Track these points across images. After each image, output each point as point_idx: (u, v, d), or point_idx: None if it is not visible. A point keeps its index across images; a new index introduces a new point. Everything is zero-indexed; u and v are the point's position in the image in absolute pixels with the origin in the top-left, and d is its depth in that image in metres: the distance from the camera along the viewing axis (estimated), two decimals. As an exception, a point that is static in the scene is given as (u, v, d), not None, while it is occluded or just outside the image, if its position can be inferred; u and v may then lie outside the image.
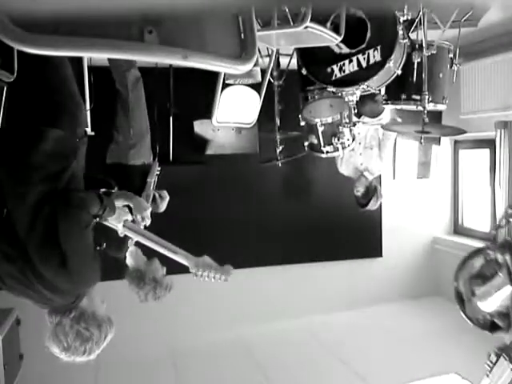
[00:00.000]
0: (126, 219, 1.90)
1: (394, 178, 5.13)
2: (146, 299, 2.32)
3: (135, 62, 2.63)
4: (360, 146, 3.45)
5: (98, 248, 1.85)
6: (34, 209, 1.55)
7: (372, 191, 3.52)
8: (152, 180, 2.65)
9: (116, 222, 1.86)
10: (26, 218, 1.55)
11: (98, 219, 1.79)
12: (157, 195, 2.68)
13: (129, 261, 2.31)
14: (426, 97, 2.56)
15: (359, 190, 3.52)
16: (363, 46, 2.44)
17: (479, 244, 4.58)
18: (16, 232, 1.57)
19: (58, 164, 1.64)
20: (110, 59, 2.59)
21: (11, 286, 1.68)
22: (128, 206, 2.02)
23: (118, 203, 1.94)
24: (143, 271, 2.28)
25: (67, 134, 1.67)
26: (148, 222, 2.19)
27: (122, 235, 1.92)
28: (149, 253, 2.36)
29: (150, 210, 2.22)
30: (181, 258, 1.79)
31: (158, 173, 2.78)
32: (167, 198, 2.76)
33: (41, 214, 1.55)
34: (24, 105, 1.67)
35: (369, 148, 3.51)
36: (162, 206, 2.74)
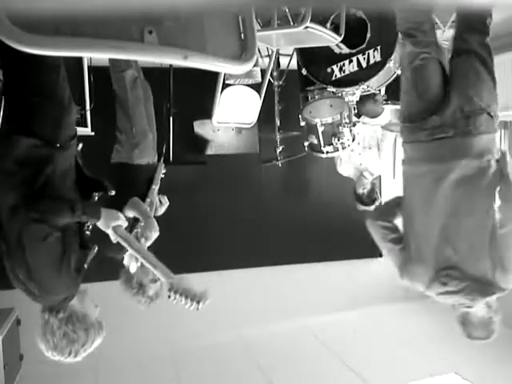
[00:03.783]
0: (117, 225, 1.86)
1: (393, 177, 5.12)
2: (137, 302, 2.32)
3: (133, 62, 2.63)
4: (359, 146, 3.44)
5: (87, 251, 1.84)
6: (10, 212, 1.60)
7: (375, 191, 3.52)
8: (157, 187, 2.65)
9: (104, 228, 1.83)
10: (6, 221, 1.61)
11: (88, 226, 1.80)
12: (157, 200, 2.68)
13: (126, 262, 2.31)
14: (426, 97, 2.56)
15: (366, 188, 3.49)
16: (363, 46, 2.44)
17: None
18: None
19: (30, 170, 1.64)
20: (110, 59, 2.59)
21: (13, 281, 1.71)
22: (135, 219, 2.00)
23: (128, 213, 1.93)
24: (132, 274, 2.27)
25: (41, 141, 1.66)
26: (149, 242, 2.18)
27: (114, 241, 1.90)
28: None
29: (158, 232, 2.20)
30: (160, 274, 1.74)
31: (163, 175, 2.78)
32: (167, 204, 2.76)
33: (15, 220, 1.60)
34: (4, 108, 1.67)
35: (367, 148, 3.51)
36: (160, 211, 2.74)
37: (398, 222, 2.04)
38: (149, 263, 1.79)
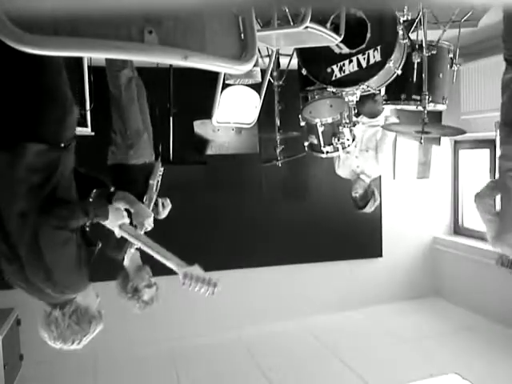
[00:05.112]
0: (122, 223, 1.89)
1: (394, 177, 5.13)
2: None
3: (129, 62, 2.63)
4: (356, 148, 3.44)
5: (92, 247, 1.86)
6: (20, 218, 1.60)
7: (370, 194, 3.52)
8: (154, 182, 2.65)
9: (111, 226, 1.86)
10: (15, 226, 1.61)
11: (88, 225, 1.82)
12: (160, 203, 2.68)
13: (126, 263, 2.31)
14: (426, 97, 2.56)
15: (357, 192, 3.50)
16: (363, 46, 2.44)
17: (479, 244, 4.58)
18: (10, 235, 1.63)
19: (40, 176, 1.64)
20: (106, 59, 2.59)
21: (16, 284, 1.75)
22: (128, 210, 2.01)
23: (118, 206, 1.94)
24: (130, 277, 2.27)
25: (48, 144, 1.66)
26: (149, 228, 2.18)
27: (118, 236, 1.92)
28: (146, 259, 2.36)
29: (152, 216, 2.21)
30: (173, 264, 1.77)
31: (161, 174, 2.78)
32: (169, 207, 2.76)
33: (26, 225, 1.60)
34: (7, 112, 1.64)
35: (365, 151, 3.50)
36: (163, 214, 2.74)
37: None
38: (159, 255, 1.82)
